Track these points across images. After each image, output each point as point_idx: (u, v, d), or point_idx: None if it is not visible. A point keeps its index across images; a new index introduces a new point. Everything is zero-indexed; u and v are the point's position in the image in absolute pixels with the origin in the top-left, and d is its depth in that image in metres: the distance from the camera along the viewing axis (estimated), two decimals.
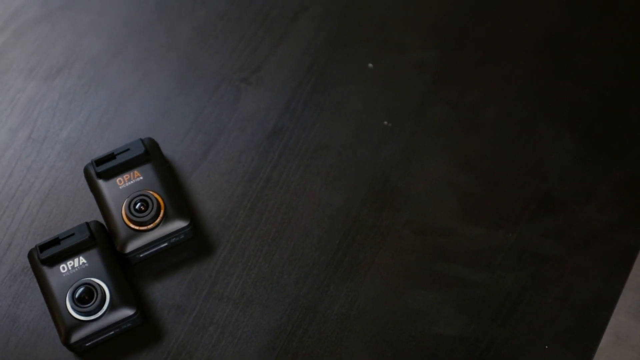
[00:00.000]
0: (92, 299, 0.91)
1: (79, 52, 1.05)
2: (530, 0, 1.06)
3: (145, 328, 0.94)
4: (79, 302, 0.91)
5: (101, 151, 1.00)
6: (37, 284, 0.94)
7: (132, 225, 0.94)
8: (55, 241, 0.93)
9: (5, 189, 1.00)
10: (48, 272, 0.92)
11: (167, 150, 1.00)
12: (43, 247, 0.93)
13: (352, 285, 0.95)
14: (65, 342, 0.91)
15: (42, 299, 0.94)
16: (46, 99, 1.03)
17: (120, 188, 0.95)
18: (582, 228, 0.97)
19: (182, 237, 0.96)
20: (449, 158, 1.00)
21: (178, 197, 0.96)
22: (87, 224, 0.94)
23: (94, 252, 0.93)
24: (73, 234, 0.93)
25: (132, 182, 0.95)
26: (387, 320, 0.94)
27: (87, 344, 0.92)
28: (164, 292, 0.95)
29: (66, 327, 0.91)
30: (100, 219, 0.96)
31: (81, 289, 0.91)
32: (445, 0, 1.07)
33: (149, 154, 0.96)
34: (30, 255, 0.94)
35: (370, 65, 1.04)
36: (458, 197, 0.98)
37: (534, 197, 0.98)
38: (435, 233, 0.97)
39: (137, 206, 0.94)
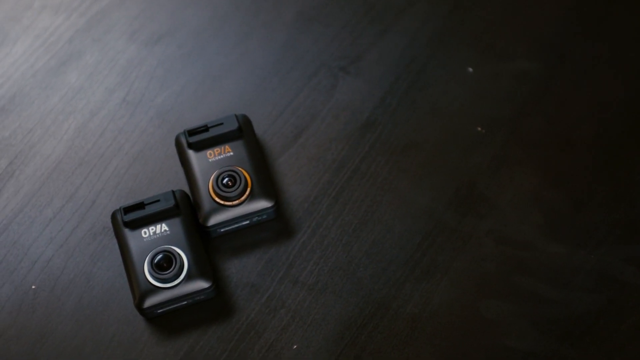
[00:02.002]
0: (171, 266, 0.91)
1: (182, 21, 1.06)
2: None
3: (217, 302, 0.94)
4: (157, 268, 0.91)
5: (193, 122, 1.01)
6: (115, 245, 0.95)
7: (217, 199, 0.94)
8: (140, 205, 0.93)
9: (95, 148, 1.00)
10: (129, 235, 0.93)
11: (258, 129, 1.00)
12: (127, 209, 0.93)
13: (427, 286, 0.95)
14: (138, 306, 0.92)
15: (119, 260, 0.95)
16: (145, 63, 1.04)
17: (209, 161, 0.95)
18: None
19: (264, 217, 0.96)
20: (538, 172, 0.99)
21: (266, 177, 0.96)
22: (173, 192, 0.94)
23: (176, 221, 0.93)
24: (158, 200, 0.93)
25: (222, 156, 0.96)
26: (458, 326, 0.93)
27: (158, 311, 0.93)
28: (240, 269, 0.95)
29: (141, 291, 0.91)
30: (185, 189, 0.97)
31: (160, 256, 0.92)
32: (553, 13, 1.05)
33: (242, 130, 0.96)
34: (113, 216, 0.95)
35: (470, 69, 1.03)
36: (543, 212, 0.97)
37: (620, 222, 0.97)
38: (516, 245, 0.96)
39: (224, 181, 0.94)
